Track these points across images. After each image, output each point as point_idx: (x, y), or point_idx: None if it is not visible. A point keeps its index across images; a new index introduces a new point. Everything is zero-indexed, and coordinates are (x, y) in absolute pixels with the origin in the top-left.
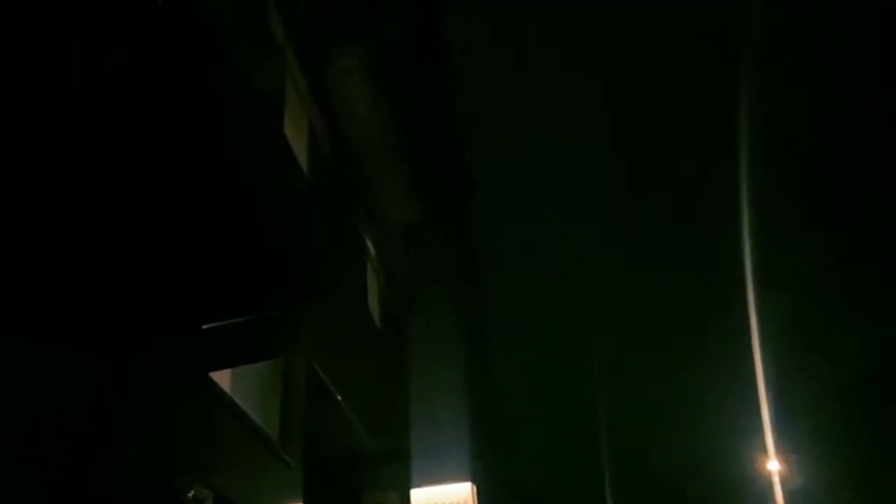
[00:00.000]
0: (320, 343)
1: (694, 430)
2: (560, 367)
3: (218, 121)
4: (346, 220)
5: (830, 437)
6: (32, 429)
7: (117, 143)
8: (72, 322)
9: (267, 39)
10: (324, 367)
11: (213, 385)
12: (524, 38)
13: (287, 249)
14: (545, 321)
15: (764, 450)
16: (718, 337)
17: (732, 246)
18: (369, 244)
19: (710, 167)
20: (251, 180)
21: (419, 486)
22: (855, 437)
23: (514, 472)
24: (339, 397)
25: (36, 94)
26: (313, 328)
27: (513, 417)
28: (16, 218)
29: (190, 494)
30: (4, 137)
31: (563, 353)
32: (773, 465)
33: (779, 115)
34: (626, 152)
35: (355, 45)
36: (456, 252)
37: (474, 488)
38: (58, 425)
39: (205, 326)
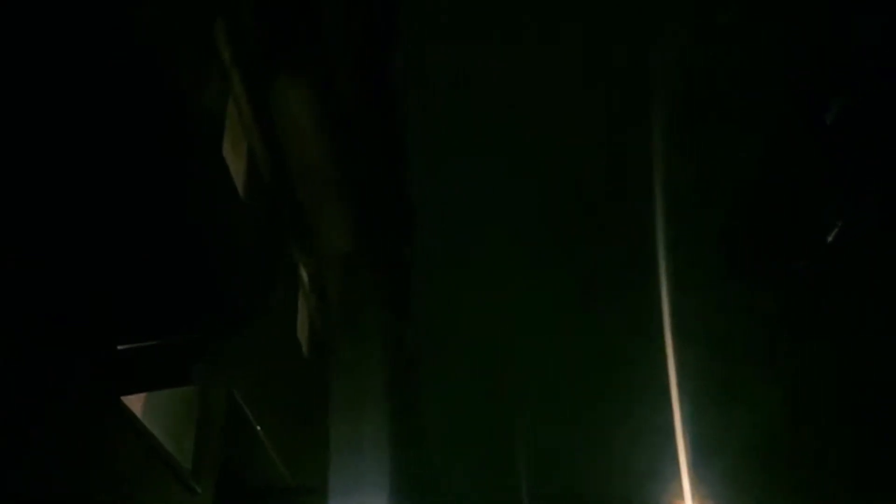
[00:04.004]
0: (242, 370)
1: (612, 475)
2: (486, 405)
3: (152, 135)
4: (280, 246)
5: (746, 483)
6: None
7: (43, 154)
8: None
9: (211, 58)
10: (244, 395)
11: (123, 408)
12: (474, 73)
13: (213, 272)
14: (474, 360)
15: (680, 495)
16: (638, 385)
17: (652, 300)
18: (303, 271)
19: (630, 224)
20: (181, 198)
21: None
22: (770, 485)
23: None
24: (258, 427)
25: None
26: (236, 354)
27: (437, 455)
28: None
29: None
30: None
31: (490, 391)
32: None
33: (696, 171)
34: (560, 207)
35: (301, 71)
36: (390, 284)
37: None
38: None
39: (119, 347)
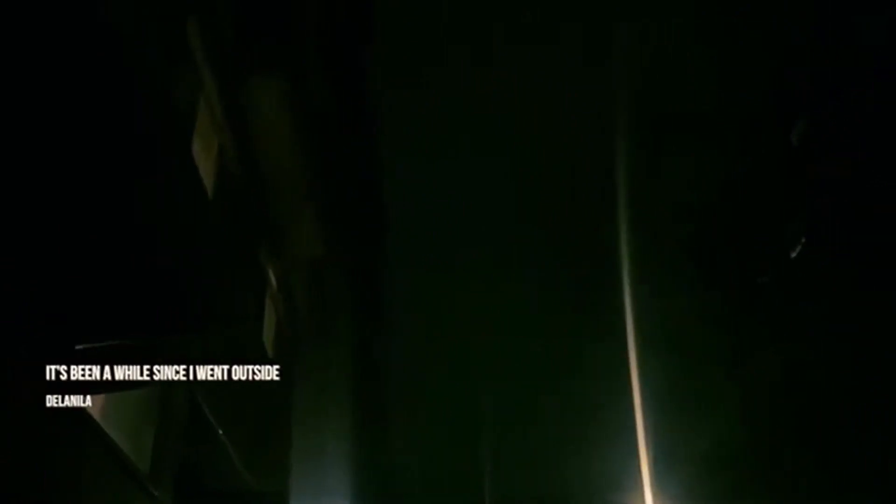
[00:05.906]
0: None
1: (575, 482)
2: (452, 411)
3: (119, 130)
4: (248, 248)
5: (708, 491)
6: None
7: (8, 148)
8: None
9: (183, 56)
10: (206, 398)
11: (80, 408)
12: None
13: (175, 273)
14: (441, 365)
15: (642, 502)
16: (602, 391)
17: (617, 307)
18: (271, 275)
19: (592, 232)
20: (146, 196)
21: None
22: (732, 493)
23: None
24: (220, 430)
25: None
26: (198, 356)
27: (401, 460)
28: None
29: None
30: None
31: (456, 396)
32: None
33: (659, 181)
34: (534, 212)
35: (274, 71)
36: (360, 288)
37: None
38: None
39: (78, 347)
